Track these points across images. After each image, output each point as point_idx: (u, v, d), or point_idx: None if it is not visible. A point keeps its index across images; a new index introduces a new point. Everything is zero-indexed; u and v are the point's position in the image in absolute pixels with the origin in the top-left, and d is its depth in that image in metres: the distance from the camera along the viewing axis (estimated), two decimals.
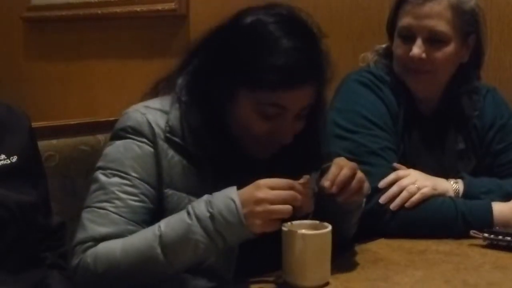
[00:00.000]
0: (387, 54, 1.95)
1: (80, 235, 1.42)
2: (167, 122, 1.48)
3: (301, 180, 1.37)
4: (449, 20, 1.82)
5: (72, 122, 2.06)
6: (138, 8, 3.10)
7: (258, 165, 1.48)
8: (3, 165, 1.40)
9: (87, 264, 1.37)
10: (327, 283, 1.40)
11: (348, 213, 1.55)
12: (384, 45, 1.98)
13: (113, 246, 1.37)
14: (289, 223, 1.39)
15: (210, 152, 1.45)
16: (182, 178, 1.46)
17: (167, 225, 1.35)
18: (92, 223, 1.42)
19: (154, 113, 1.49)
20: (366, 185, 1.50)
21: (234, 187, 1.35)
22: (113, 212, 1.42)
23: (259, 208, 1.31)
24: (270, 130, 1.43)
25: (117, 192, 1.43)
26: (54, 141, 1.88)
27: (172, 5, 2.99)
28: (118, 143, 1.49)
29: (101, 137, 1.99)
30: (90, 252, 1.38)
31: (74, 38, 3.38)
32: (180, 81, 1.52)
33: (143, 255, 1.34)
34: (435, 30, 1.82)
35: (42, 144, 1.77)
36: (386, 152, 1.80)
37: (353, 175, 1.43)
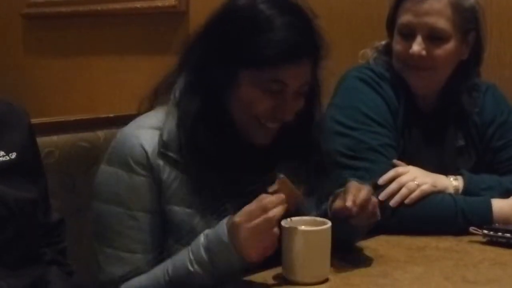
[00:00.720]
0: (387, 51, 1.95)
1: (102, 278, 1.48)
2: (160, 137, 1.47)
3: (275, 185, 1.37)
4: (449, 17, 1.82)
5: (72, 119, 2.06)
6: (138, 4, 3.10)
7: (254, 162, 1.48)
8: (2, 162, 1.41)
9: None
10: (327, 279, 1.40)
11: (358, 236, 1.57)
12: (383, 42, 1.98)
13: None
14: (288, 219, 1.39)
15: (205, 145, 1.45)
16: (180, 192, 1.46)
17: (173, 270, 1.40)
18: (108, 266, 1.47)
19: (146, 133, 1.48)
20: (378, 212, 1.50)
21: (225, 227, 1.35)
22: (124, 251, 1.45)
23: (249, 243, 1.32)
24: (272, 107, 1.45)
25: (122, 230, 1.45)
26: (54, 137, 1.88)
27: (172, 2, 2.99)
28: (111, 171, 1.48)
29: (100, 133, 1.99)
30: None
31: (74, 35, 3.38)
32: (177, 85, 1.53)
33: None
34: (435, 27, 1.82)
35: (41, 140, 1.77)
36: (386, 148, 1.80)
37: (369, 198, 1.44)
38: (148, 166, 1.46)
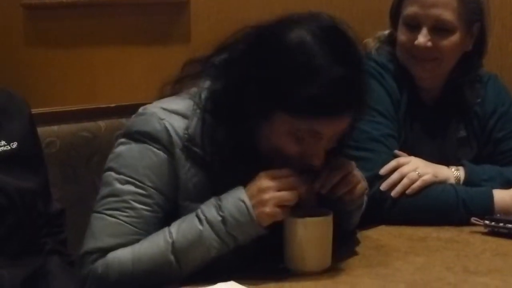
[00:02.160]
0: (390, 41, 1.94)
1: (90, 244, 1.41)
2: (186, 130, 1.42)
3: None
4: (455, 9, 1.81)
5: (73, 108, 2.05)
6: None
7: None
8: (3, 151, 1.40)
9: (98, 274, 1.38)
10: (328, 269, 1.40)
11: (346, 213, 1.54)
12: (386, 32, 1.97)
13: (124, 256, 1.37)
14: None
15: (233, 169, 1.40)
16: (199, 189, 1.42)
17: (178, 231, 1.36)
18: (102, 233, 1.40)
19: (173, 118, 1.43)
20: (361, 186, 1.49)
21: (242, 187, 1.36)
22: (125, 222, 1.40)
23: (266, 196, 1.33)
24: (301, 152, 1.39)
25: (131, 202, 1.40)
26: (55, 127, 1.88)
27: None
28: (133, 146, 1.44)
29: (102, 123, 1.99)
30: (100, 262, 1.38)
31: (75, 25, 3.37)
32: (205, 85, 1.46)
33: (156, 262, 1.36)
34: (441, 19, 1.81)
35: (42, 130, 1.77)
36: (387, 139, 1.80)
37: (344, 176, 1.43)
38: (171, 152, 1.41)
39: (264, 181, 1.35)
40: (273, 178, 1.35)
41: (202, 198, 1.40)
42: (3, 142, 1.41)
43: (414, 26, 1.84)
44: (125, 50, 3.18)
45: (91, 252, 1.40)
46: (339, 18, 1.41)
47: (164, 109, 1.45)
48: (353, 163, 1.47)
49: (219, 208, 1.35)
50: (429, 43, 1.81)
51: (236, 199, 1.35)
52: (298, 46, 1.34)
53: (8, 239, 1.37)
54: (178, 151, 1.41)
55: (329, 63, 1.33)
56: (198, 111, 1.43)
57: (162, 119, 1.43)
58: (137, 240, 1.39)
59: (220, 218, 1.34)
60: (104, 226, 1.41)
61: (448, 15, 1.81)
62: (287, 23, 1.39)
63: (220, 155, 1.41)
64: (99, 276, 1.38)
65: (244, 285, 1.30)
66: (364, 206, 1.60)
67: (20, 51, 3.57)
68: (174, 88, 1.51)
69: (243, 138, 1.40)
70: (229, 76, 1.42)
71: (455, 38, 1.83)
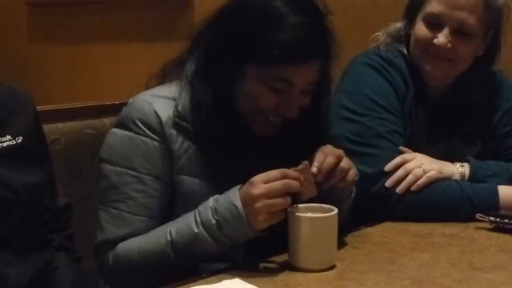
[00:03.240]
0: (399, 36, 1.93)
1: (100, 236, 1.51)
2: (175, 108, 1.48)
3: (299, 167, 1.39)
4: (480, 15, 1.80)
5: (78, 106, 2.05)
6: None
7: (266, 146, 1.49)
8: (9, 146, 1.40)
9: (109, 265, 1.48)
10: (333, 266, 1.41)
11: (337, 202, 1.53)
12: (398, 24, 1.95)
13: (130, 249, 1.46)
14: (295, 206, 1.39)
15: (218, 132, 1.46)
16: (192, 163, 1.47)
17: (177, 231, 1.42)
18: (109, 225, 1.49)
19: (161, 102, 1.50)
20: (352, 172, 1.51)
21: (236, 190, 1.38)
22: (128, 212, 1.48)
23: (258, 205, 1.35)
24: (276, 104, 1.45)
25: (129, 192, 1.47)
26: (59, 125, 1.89)
27: None
28: (123, 135, 1.50)
29: (106, 120, 1.99)
30: (111, 254, 1.48)
31: (79, 22, 3.37)
32: (188, 65, 1.53)
33: (157, 258, 1.43)
34: (465, 23, 1.79)
35: (47, 127, 1.77)
36: (393, 135, 1.80)
37: (337, 163, 1.45)
38: (162, 134, 1.47)
39: (255, 188, 1.35)
40: (264, 182, 1.36)
41: (197, 171, 1.46)
42: (8, 137, 1.41)
43: (435, 24, 1.82)
44: (129, 47, 3.18)
45: (102, 244, 1.49)
46: None
47: (152, 94, 1.53)
48: (341, 150, 1.50)
49: (214, 211, 1.38)
50: (449, 44, 1.80)
51: (230, 203, 1.37)
52: (259, 1, 1.45)
53: (15, 235, 1.37)
54: (168, 130, 1.47)
55: (288, 11, 1.42)
56: (186, 89, 1.50)
57: (151, 103, 1.49)
58: (144, 226, 1.46)
59: (214, 222, 1.37)
60: (110, 218, 1.49)
61: (472, 19, 1.79)
62: None
63: (207, 122, 1.46)
64: (110, 266, 1.47)
65: (249, 282, 1.30)
66: (353, 195, 1.60)
67: (24, 49, 3.58)
68: (159, 78, 1.58)
69: (222, 95, 1.47)
70: (204, 44, 1.51)
71: (473, 42, 1.83)
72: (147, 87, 1.59)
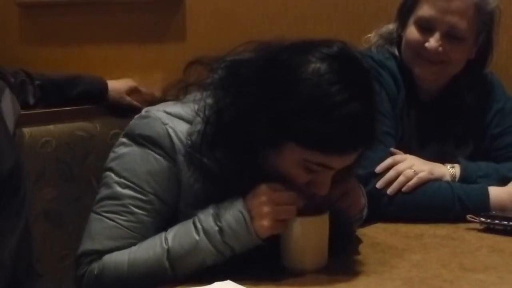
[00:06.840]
0: (391, 38, 1.94)
1: (87, 245, 1.42)
2: (189, 136, 1.41)
3: None
4: (471, 19, 1.81)
5: (69, 108, 2.05)
6: None
7: None
8: None
9: (94, 275, 1.39)
10: (325, 267, 1.41)
11: (346, 225, 1.55)
12: (390, 26, 1.95)
13: (120, 259, 1.38)
14: None
15: (234, 178, 1.39)
16: (201, 196, 1.41)
17: (174, 238, 1.36)
18: (100, 235, 1.41)
19: (176, 123, 1.42)
20: (359, 203, 1.52)
21: (241, 199, 1.35)
22: (123, 226, 1.40)
23: (266, 209, 1.33)
24: (309, 182, 1.38)
25: (130, 206, 1.41)
26: (50, 127, 1.89)
27: None
28: (135, 150, 1.43)
29: (97, 122, 1.99)
30: (97, 264, 1.40)
31: (70, 23, 3.36)
32: (210, 97, 1.42)
33: (151, 268, 1.36)
34: (456, 27, 1.80)
35: (38, 129, 1.77)
36: (384, 136, 1.80)
37: (345, 193, 1.45)
38: (173, 158, 1.41)
39: (264, 194, 1.34)
40: (274, 190, 1.34)
41: (203, 204, 1.39)
42: None
43: (426, 28, 1.82)
44: (120, 48, 3.17)
45: (89, 254, 1.41)
46: (350, 44, 1.38)
47: (168, 113, 1.44)
48: (355, 180, 1.48)
49: (216, 217, 1.34)
50: (440, 48, 1.81)
51: (236, 210, 1.34)
52: (314, 80, 1.29)
53: None
54: (180, 157, 1.41)
55: (345, 100, 1.28)
56: (200, 119, 1.41)
57: (165, 124, 1.42)
58: (134, 244, 1.40)
59: (217, 228, 1.33)
60: (102, 228, 1.41)
61: (463, 24, 1.80)
62: (300, 51, 1.34)
63: (221, 170, 1.39)
64: (94, 277, 1.39)
65: (241, 284, 1.29)
66: (364, 216, 1.60)
67: (15, 50, 3.57)
68: (179, 93, 1.49)
69: (247, 163, 1.38)
70: (238, 101, 1.36)
71: (464, 46, 1.83)
72: (164, 96, 1.51)
